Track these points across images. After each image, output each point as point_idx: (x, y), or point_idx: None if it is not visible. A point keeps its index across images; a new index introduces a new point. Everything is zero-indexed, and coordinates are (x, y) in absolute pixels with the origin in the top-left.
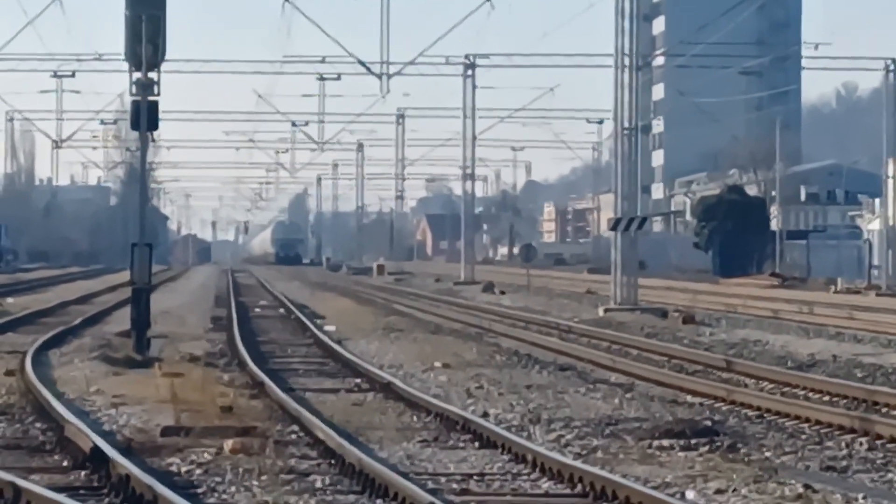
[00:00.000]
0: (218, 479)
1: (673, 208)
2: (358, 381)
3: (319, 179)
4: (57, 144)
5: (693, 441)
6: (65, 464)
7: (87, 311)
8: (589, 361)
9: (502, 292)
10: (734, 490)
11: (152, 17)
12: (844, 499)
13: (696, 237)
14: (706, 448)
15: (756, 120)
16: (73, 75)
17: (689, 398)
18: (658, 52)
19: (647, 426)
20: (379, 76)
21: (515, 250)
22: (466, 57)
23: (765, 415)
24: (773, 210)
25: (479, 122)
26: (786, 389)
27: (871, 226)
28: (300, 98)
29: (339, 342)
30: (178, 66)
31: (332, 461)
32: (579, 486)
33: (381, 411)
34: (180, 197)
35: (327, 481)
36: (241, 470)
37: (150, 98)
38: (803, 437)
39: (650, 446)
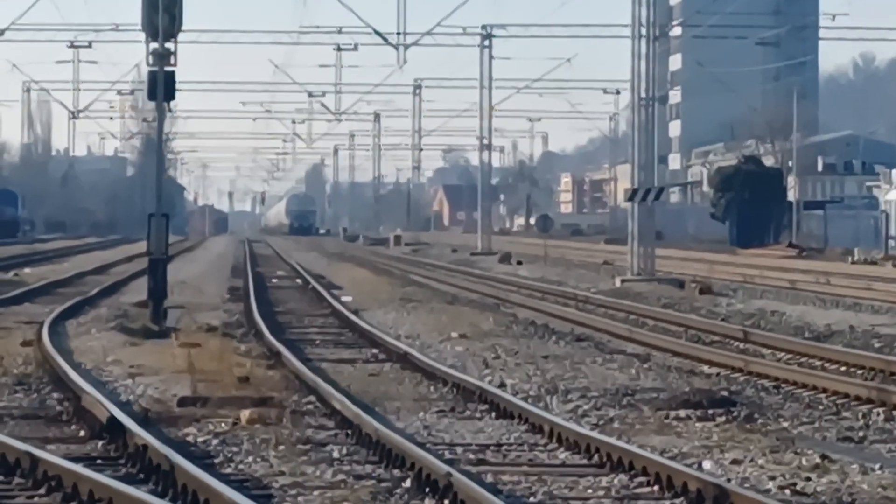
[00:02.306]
0: (235, 449)
1: (690, 179)
2: (375, 351)
3: (336, 150)
4: (74, 115)
5: (710, 411)
6: (81, 434)
7: (104, 282)
8: (606, 332)
9: (519, 263)
10: (751, 460)
11: None
12: (861, 469)
13: (713, 207)
14: (723, 418)
15: (773, 90)
16: (90, 46)
17: (705, 369)
18: (675, 22)
19: (663, 396)
20: (396, 47)
21: (532, 221)
22: (483, 27)
23: (782, 385)
24: (790, 180)
25: (496, 92)
26: (803, 360)
27: (889, 196)
28: (317, 68)
29: (355, 312)
30: (195, 36)
31: (349, 431)
32: (596, 457)
33: (397, 381)
34: (197, 167)
35: (344, 452)
36: (257, 440)
37: (167, 68)
38: (820, 407)
39: (667, 417)
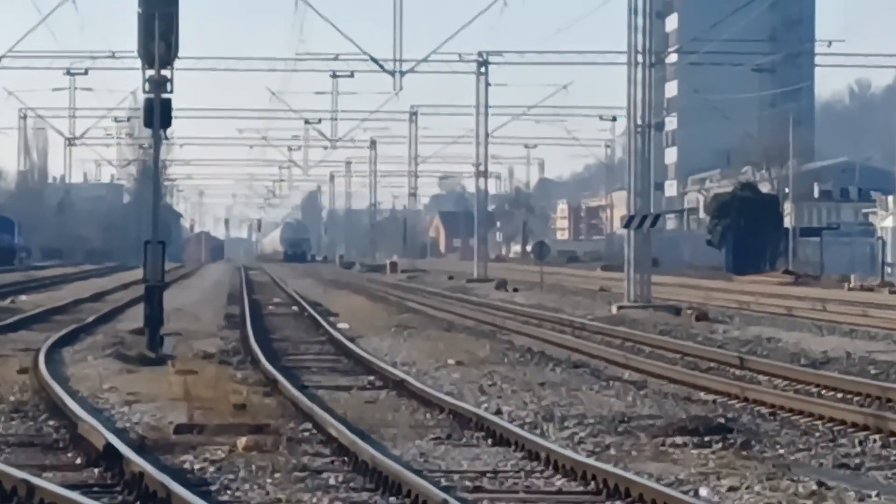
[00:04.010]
0: (231, 476)
1: (686, 205)
2: (371, 378)
3: (332, 177)
4: (70, 142)
5: (706, 438)
6: (78, 461)
7: (101, 309)
8: (602, 359)
9: (515, 290)
10: (747, 487)
11: (165, 14)
12: (858, 496)
13: (710, 234)
14: (719, 445)
15: (769, 117)
16: (86, 73)
17: (702, 395)
18: (671, 49)
19: (660, 423)
20: (392, 73)
21: (528, 248)
22: (479, 54)
23: (778, 412)
24: (787, 207)
25: (492, 119)
26: (799, 387)
27: (885, 223)
28: (313, 95)
29: (352, 339)
30: (191, 63)
31: (346, 459)
32: (592, 484)
33: (394, 409)
34: (193, 194)
35: (340, 479)
36: (254, 467)
37: (163, 95)
38: (817, 434)
39: (663, 444)
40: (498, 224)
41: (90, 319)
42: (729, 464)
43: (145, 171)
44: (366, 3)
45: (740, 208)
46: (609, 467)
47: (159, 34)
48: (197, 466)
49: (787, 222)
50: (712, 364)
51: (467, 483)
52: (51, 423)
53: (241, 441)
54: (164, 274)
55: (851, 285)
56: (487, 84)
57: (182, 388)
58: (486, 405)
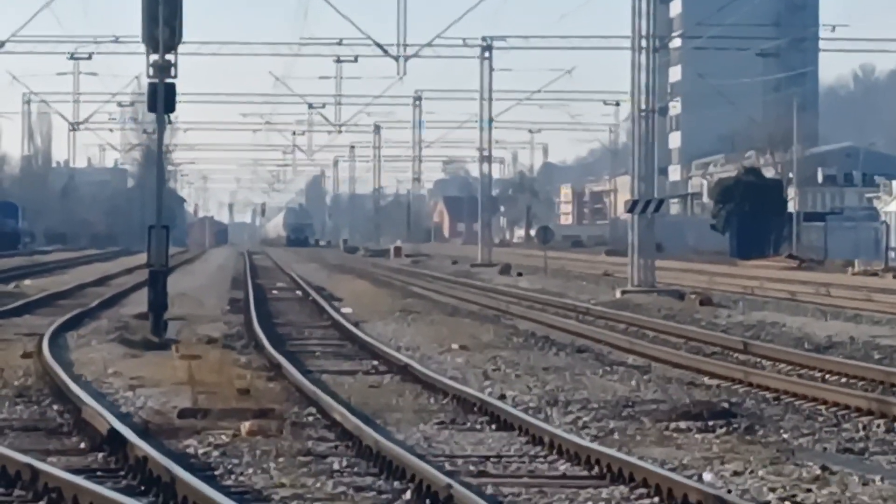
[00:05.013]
0: (235, 460)
1: (690, 190)
2: (375, 363)
3: (336, 162)
4: (74, 127)
5: (710, 423)
6: (82, 446)
7: (105, 294)
8: (606, 343)
9: (519, 274)
10: (751, 472)
11: None
12: (862, 480)
13: (713, 219)
14: (723, 430)
15: (773, 102)
16: (90, 58)
17: (706, 380)
18: (675, 33)
19: (664, 408)
20: (396, 58)
21: (532, 232)
22: (483, 39)
23: (782, 397)
24: (790, 192)
25: (496, 104)
26: (803, 371)
27: (889, 208)
28: (317, 80)
29: (356, 324)
30: (195, 48)
31: (350, 443)
32: (596, 468)
33: (398, 393)
34: (197, 179)
35: (344, 463)
36: (258, 452)
37: (167, 80)
38: (820, 418)
39: (667, 428)
40: (502, 209)
41: (94, 304)
42: (733, 448)
43: (149, 156)
44: None
45: (744, 193)
46: (613, 452)
47: (163, 19)
48: (201, 451)
49: (791, 207)
50: (716, 349)
51: (471, 468)
52: (55, 407)
53: (245, 426)
54: (167, 258)
55: (855, 270)
56: (491, 69)
57: (186, 372)
58: (490, 390)
